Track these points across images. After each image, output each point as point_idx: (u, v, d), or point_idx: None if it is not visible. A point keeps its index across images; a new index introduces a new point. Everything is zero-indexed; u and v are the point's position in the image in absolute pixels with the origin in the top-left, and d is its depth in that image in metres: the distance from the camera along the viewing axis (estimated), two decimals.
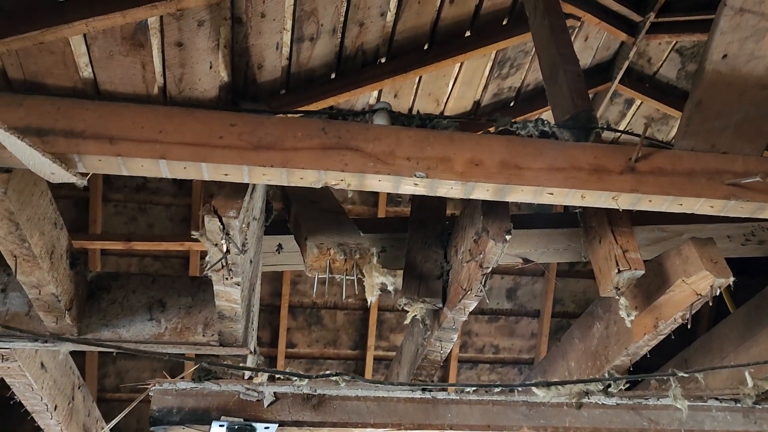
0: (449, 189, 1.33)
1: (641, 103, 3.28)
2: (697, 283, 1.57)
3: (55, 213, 1.46)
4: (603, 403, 2.06)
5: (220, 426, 1.84)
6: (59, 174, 1.20)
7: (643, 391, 2.10)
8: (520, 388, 1.69)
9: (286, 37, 2.42)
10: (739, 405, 2.11)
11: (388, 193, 3.59)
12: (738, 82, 1.32)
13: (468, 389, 1.99)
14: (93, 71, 1.69)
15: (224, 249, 1.41)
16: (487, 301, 1.53)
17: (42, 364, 1.91)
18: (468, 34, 3.06)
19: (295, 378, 1.95)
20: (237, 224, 1.34)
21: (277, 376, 1.98)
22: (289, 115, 1.46)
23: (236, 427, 1.85)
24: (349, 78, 2.63)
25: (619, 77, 3.09)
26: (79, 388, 2.25)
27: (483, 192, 1.34)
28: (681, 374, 1.55)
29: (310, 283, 3.98)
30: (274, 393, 1.90)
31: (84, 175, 1.26)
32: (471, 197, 1.36)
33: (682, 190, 1.37)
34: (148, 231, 4.27)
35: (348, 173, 1.28)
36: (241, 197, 1.36)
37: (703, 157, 1.40)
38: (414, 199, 1.89)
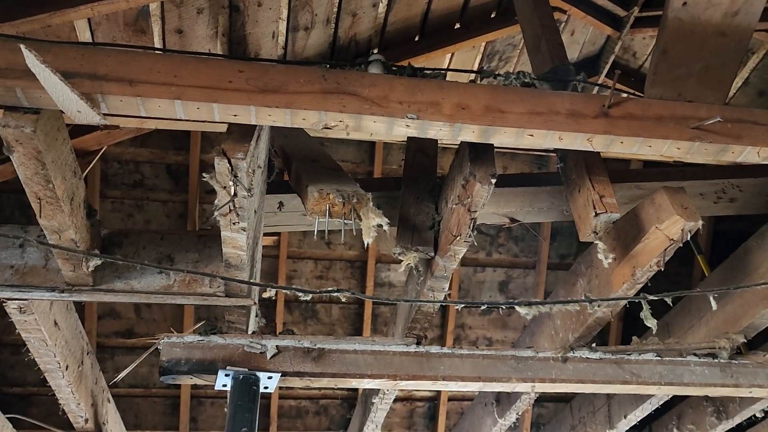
0: (438, 130, 1.46)
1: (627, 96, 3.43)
2: (669, 228, 1.70)
3: (74, 162, 1.58)
4: (587, 357, 2.18)
5: (226, 375, 1.94)
6: (85, 112, 1.32)
7: (625, 346, 2.21)
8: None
9: (282, 26, 2.55)
10: (716, 360, 2.23)
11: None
12: (698, 29, 1.46)
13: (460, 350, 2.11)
14: None
15: (232, 192, 1.53)
16: (475, 243, 1.65)
17: (55, 322, 2.01)
18: (457, 26, 3.21)
19: (294, 337, 2.06)
20: (244, 166, 1.47)
21: (279, 331, 2.09)
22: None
23: (241, 376, 1.95)
24: None
25: (605, 71, 3.23)
26: (87, 354, 2.35)
27: (469, 133, 1.47)
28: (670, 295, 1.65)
29: (306, 278, 4.08)
30: (277, 346, 2.01)
31: (106, 116, 1.38)
32: (458, 138, 1.49)
33: (651, 132, 1.50)
34: (145, 227, 4.38)
35: (346, 114, 1.41)
36: (248, 141, 1.48)
37: (671, 105, 1.54)
38: (406, 158, 2.02)
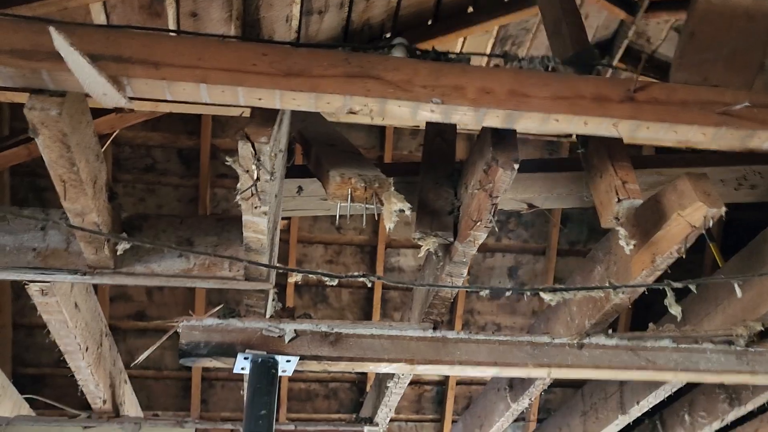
0: (463, 115, 1.45)
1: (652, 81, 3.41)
2: (691, 214, 1.69)
3: (97, 145, 1.58)
4: (603, 344, 2.18)
5: (245, 358, 1.95)
6: (111, 95, 1.32)
7: (641, 332, 2.21)
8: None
9: (296, 10, 2.53)
10: (732, 347, 2.23)
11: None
12: (727, 12, 1.45)
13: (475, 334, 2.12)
14: None
15: (255, 176, 1.53)
16: (496, 229, 1.65)
17: (76, 304, 2.02)
18: (470, 9, 3.19)
19: (311, 321, 2.07)
20: (267, 150, 1.46)
21: (297, 316, 2.10)
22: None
23: (260, 360, 1.96)
24: None
25: (618, 56, 3.20)
26: (106, 335, 2.37)
27: (493, 118, 1.46)
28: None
29: (316, 262, 4.09)
30: (295, 330, 2.02)
31: (131, 100, 1.37)
32: (483, 123, 1.48)
33: (676, 117, 1.49)
34: (157, 212, 4.39)
35: (370, 98, 1.40)
36: (271, 125, 1.48)
37: (696, 90, 1.53)
38: (425, 144, 2.01)
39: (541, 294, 1.70)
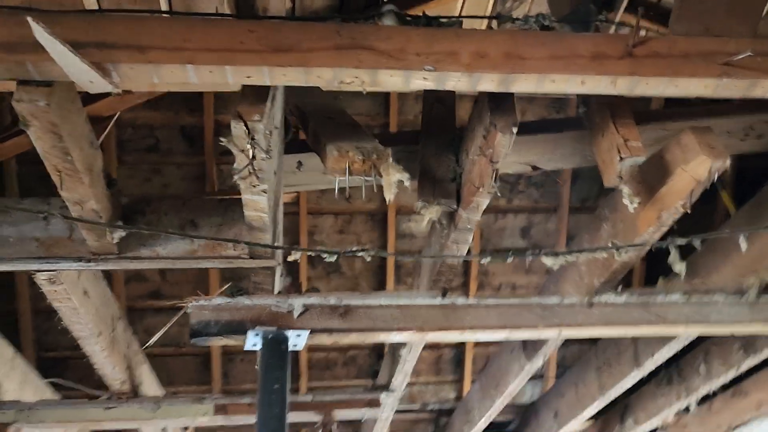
0: (457, 81, 1.42)
1: (646, 31, 3.31)
2: (695, 169, 1.66)
3: (90, 133, 1.57)
4: (613, 302, 2.17)
5: (255, 335, 1.97)
6: (97, 82, 1.30)
7: (650, 288, 2.20)
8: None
9: None
10: (743, 298, 2.22)
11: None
12: None
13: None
14: None
15: (251, 155, 1.51)
16: (498, 194, 1.63)
17: (85, 291, 2.04)
18: None
19: (320, 294, 2.07)
20: (261, 128, 1.45)
21: (304, 290, 2.11)
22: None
23: (270, 336, 1.98)
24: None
25: (622, 8, 3.10)
26: (118, 319, 2.39)
27: (489, 82, 1.43)
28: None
29: (326, 233, 4.09)
30: (303, 304, 2.03)
31: (119, 85, 1.36)
32: (478, 88, 1.45)
33: (677, 71, 1.45)
34: (162, 191, 4.40)
35: (362, 70, 1.37)
36: (263, 103, 1.46)
37: (697, 41, 1.48)
38: (424, 111, 1.98)
39: (543, 259, 1.69)
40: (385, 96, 3.70)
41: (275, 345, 1.97)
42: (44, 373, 3.28)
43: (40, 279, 1.84)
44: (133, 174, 4.28)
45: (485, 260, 1.69)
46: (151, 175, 4.36)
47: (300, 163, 1.98)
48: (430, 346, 4.94)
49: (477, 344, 4.55)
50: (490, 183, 1.65)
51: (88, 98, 2.82)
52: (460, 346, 4.51)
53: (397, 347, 2.68)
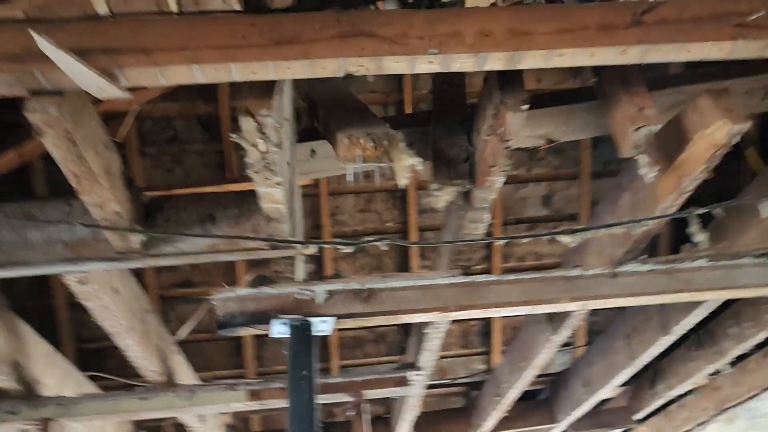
0: (462, 63, 1.40)
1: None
2: (714, 133, 1.62)
3: (104, 135, 1.60)
4: (637, 271, 2.15)
5: (281, 323, 2.00)
6: (106, 88, 1.32)
7: (675, 255, 2.18)
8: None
9: None
10: None
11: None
12: None
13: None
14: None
15: (262, 149, 1.52)
16: (510, 170, 1.62)
17: (115, 289, 2.09)
18: None
19: (343, 280, 2.09)
20: (271, 121, 1.45)
21: (328, 277, 2.13)
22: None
23: (295, 323, 2.01)
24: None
25: None
26: (149, 312, 2.45)
27: (495, 62, 1.41)
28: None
29: (348, 213, 4.11)
30: (327, 291, 2.05)
31: (129, 90, 1.37)
32: (484, 68, 1.43)
33: (689, 35, 1.41)
34: (185, 181, 4.44)
35: (366, 58, 1.37)
36: (270, 96, 1.46)
37: (708, 3, 1.44)
38: (434, 91, 1.97)
39: (560, 238, 1.67)
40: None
41: (301, 332, 2.00)
42: (84, 365, 3.37)
43: (70, 280, 1.89)
44: (157, 165, 4.33)
45: (502, 242, 1.68)
46: (172, 165, 4.41)
47: (313, 151, 1.99)
48: (457, 320, 4.95)
49: (504, 316, 4.55)
50: (503, 162, 1.63)
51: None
52: (486, 318, 4.51)
53: (422, 326, 2.69)
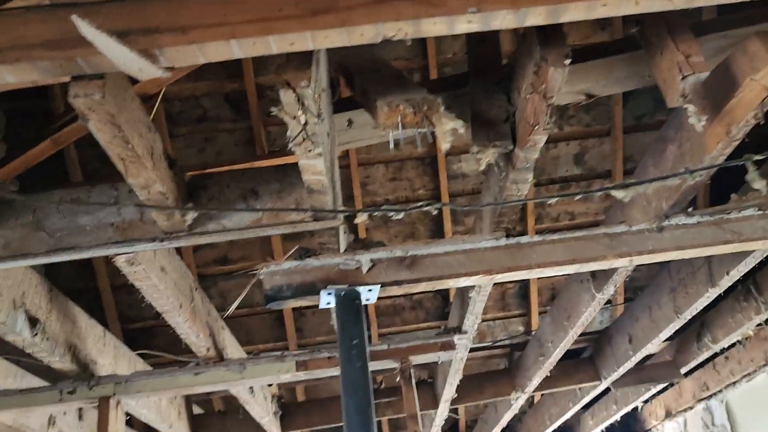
0: (502, 20, 1.37)
1: None
2: (766, 77, 1.56)
3: (146, 117, 1.60)
4: (684, 224, 2.11)
5: (328, 294, 2.02)
6: (146, 69, 1.32)
7: (723, 206, 2.13)
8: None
9: None
10: None
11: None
12: None
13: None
14: None
15: (302, 120, 1.51)
16: (552, 128, 1.58)
17: (162, 268, 2.13)
18: None
19: (386, 248, 2.10)
20: (310, 93, 1.44)
21: (371, 245, 2.13)
22: None
23: (342, 293, 2.02)
24: None
25: None
26: (195, 290, 2.49)
27: (536, 16, 1.37)
28: None
29: (379, 182, 4.10)
30: (371, 259, 2.06)
31: (168, 69, 1.37)
32: (525, 24, 1.39)
33: None
34: (217, 159, 4.47)
35: (403, 21, 1.34)
36: (308, 67, 1.45)
37: None
38: (469, 53, 1.93)
39: (613, 193, 1.64)
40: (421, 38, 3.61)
41: (348, 302, 2.01)
42: (131, 345, 3.47)
43: (120, 262, 1.93)
44: (188, 145, 4.37)
45: (552, 201, 1.66)
46: (204, 144, 4.45)
47: (350, 121, 1.97)
48: (495, 283, 4.95)
49: (547, 276, 4.53)
50: (545, 119, 1.60)
51: (132, 78, 2.87)
52: (524, 280, 4.51)
53: (465, 290, 2.70)
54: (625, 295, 4.30)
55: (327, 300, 2.06)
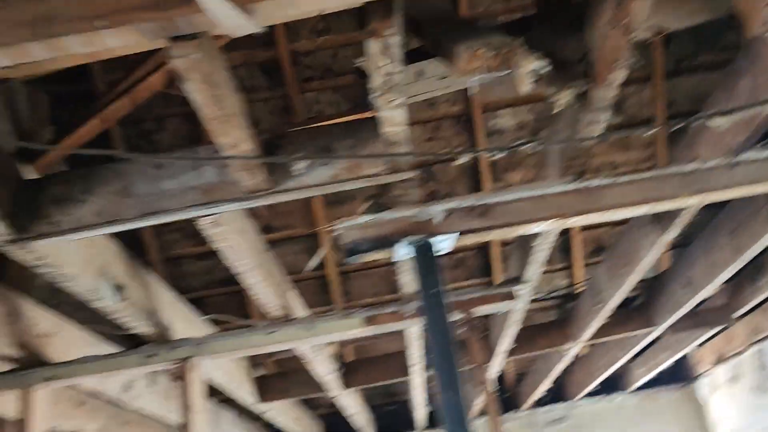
0: None
1: None
2: None
3: (232, 78, 1.64)
4: (757, 158, 2.10)
5: (404, 246, 2.06)
6: (243, 24, 1.35)
7: None
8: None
9: None
10: None
11: None
12: None
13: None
14: None
15: (386, 71, 1.54)
16: (634, 64, 1.58)
17: (241, 230, 2.19)
18: None
19: (457, 198, 2.12)
20: (396, 41, 1.46)
21: (440, 197, 2.16)
22: None
23: (418, 244, 2.07)
24: None
25: None
26: (266, 251, 2.56)
27: None
28: None
29: (416, 142, 4.10)
30: (443, 210, 2.09)
31: (263, 24, 1.39)
32: None
33: None
34: (255, 129, 4.50)
35: None
36: (390, 15, 1.46)
37: None
38: None
39: (714, 122, 1.64)
40: None
41: (425, 252, 2.06)
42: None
43: (204, 223, 1.99)
44: None
45: (651, 132, 1.66)
46: None
47: (419, 72, 1.99)
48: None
49: (584, 228, 4.53)
50: (626, 55, 1.60)
51: None
52: (565, 233, 4.51)
53: (526, 240, 2.72)
54: (674, 240, 4.29)
55: (403, 252, 2.10)
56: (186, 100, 4.53)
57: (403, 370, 4.40)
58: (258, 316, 4.90)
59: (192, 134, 4.26)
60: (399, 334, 5.41)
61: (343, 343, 4.56)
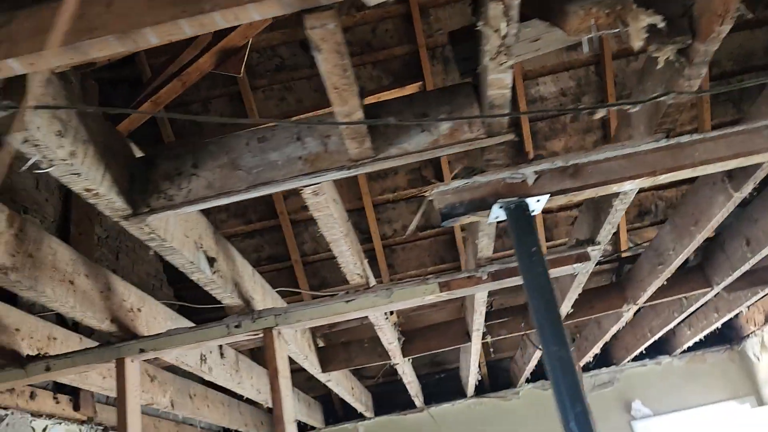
0: None
1: None
2: None
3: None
4: None
5: (500, 207, 2.11)
6: None
7: None
8: None
9: None
10: None
11: None
12: None
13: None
14: None
15: (503, 33, 1.57)
16: (744, 14, 1.60)
17: (334, 198, 2.24)
18: None
19: (547, 159, 2.15)
20: (516, 3, 1.49)
21: (530, 159, 2.20)
22: None
23: (513, 206, 2.11)
24: None
25: None
26: (348, 221, 2.62)
27: None
28: None
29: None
30: (535, 171, 2.13)
31: None
32: None
33: None
34: (299, 106, 4.57)
35: None
36: None
37: None
38: None
39: None
40: None
41: (519, 213, 2.10)
42: None
43: (307, 192, 2.04)
44: (269, 96, 4.48)
45: (747, 84, 1.68)
46: (284, 93, 4.55)
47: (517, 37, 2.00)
48: (575, 206, 5.00)
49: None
50: (735, 6, 1.62)
51: (221, 31, 2.93)
52: (612, 198, 4.54)
53: (600, 201, 2.76)
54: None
55: (497, 213, 2.15)
56: (230, 80, 4.56)
57: (454, 338, 4.49)
58: (307, 289, 5.00)
59: (237, 114, 4.32)
60: (444, 305, 5.46)
61: (398, 314, 4.64)
